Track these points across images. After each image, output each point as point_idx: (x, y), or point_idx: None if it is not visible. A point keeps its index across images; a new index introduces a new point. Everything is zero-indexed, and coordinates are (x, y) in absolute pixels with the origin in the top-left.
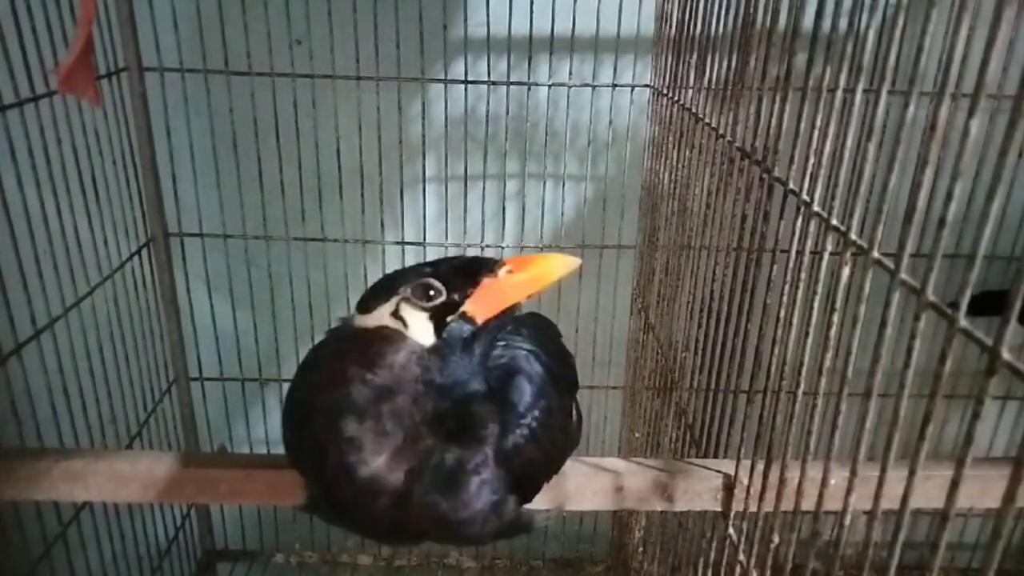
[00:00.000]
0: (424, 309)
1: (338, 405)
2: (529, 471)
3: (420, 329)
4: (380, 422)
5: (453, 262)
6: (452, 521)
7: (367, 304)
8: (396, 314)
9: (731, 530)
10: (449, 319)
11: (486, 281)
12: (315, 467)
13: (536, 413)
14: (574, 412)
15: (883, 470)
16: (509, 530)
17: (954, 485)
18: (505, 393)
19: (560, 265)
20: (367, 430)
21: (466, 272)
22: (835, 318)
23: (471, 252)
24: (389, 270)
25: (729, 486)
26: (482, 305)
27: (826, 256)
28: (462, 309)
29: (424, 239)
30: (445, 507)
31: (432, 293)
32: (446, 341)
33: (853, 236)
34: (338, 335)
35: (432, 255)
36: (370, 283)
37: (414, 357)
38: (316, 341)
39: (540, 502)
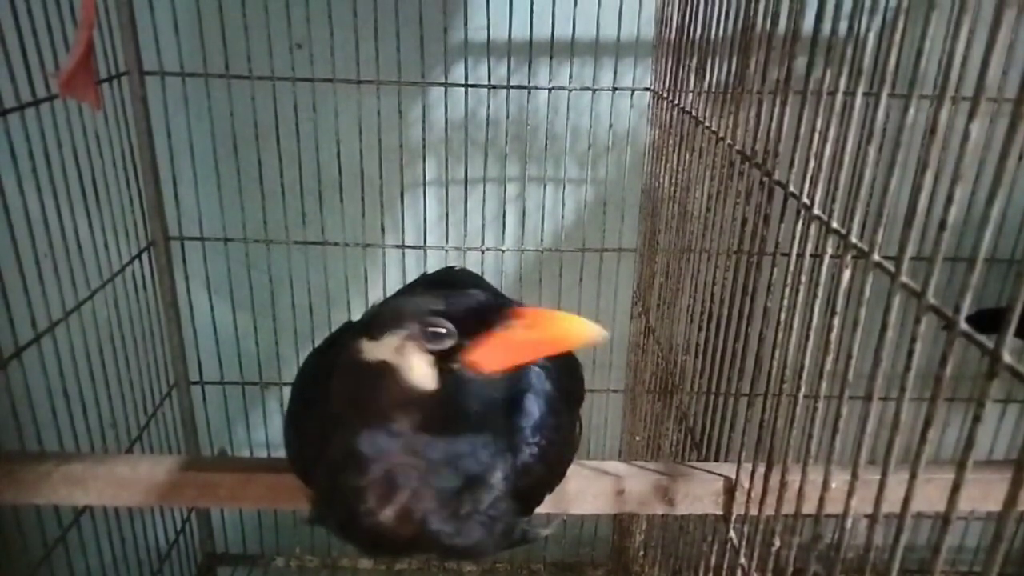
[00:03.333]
0: (429, 352)
1: (343, 454)
2: (535, 488)
3: (421, 372)
4: (386, 471)
5: (469, 302)
6: (463, 552)
7: (374, 333)
8: (400, 350)
9: (732, 534)
10: (454, 365)
11: (497, 332)
12: (324, 498)
13: (545, 432)
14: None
15: (884, 473)
16: (512, 545)
17: (955, 488)
18: (516, 413)
19: (581, 332)
20: (372, 480)
21: (479, 317)
22: (836, 321)
23: (472, 255)
24: (389, 274)
25: (730, 489)
26: (489, 356)
27: (826, 259)
28: (468, 357)
29: (424, 242)
30: (456, 543)
31: (439, 334)
32: (447, 389)
33: (853, 239)
34: (345, 365)
35: (432, 258)
36: (370, 287)
37: (413, 402)
38: (316, 344)
39: (541, 508)
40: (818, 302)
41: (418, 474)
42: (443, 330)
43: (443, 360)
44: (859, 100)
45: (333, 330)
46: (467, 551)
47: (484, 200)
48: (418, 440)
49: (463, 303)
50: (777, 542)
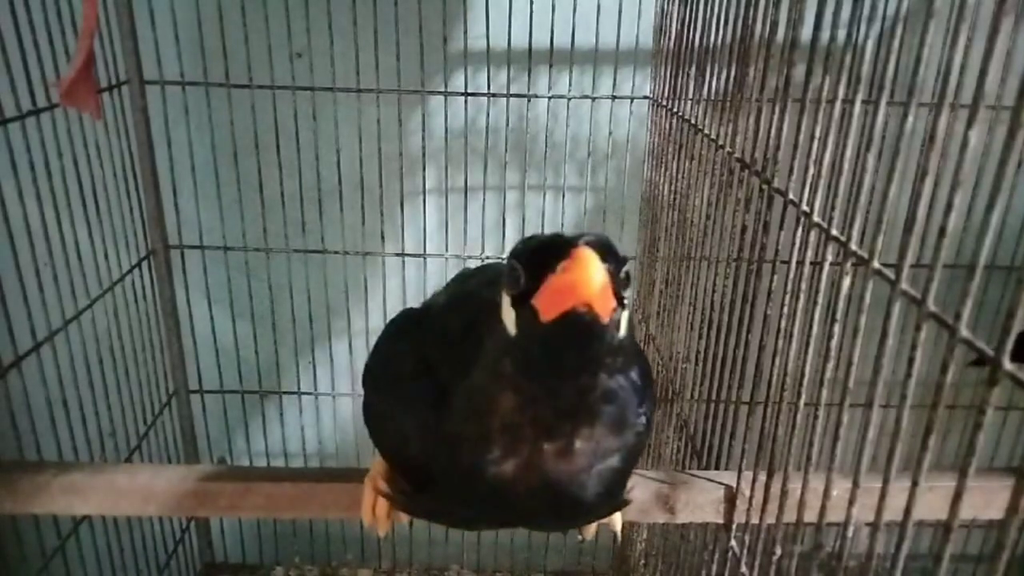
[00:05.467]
0: (507, 295)
1: (480, 397)
2: (633, 463)
3: (507, 316)
4: (514, 422)
5: (533, 244)
6: (574, 517)
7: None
8: (502, 295)
9: (733, 542)
10: (524, 309)
11: (550, 276)
12: (444, 457)
13: (649, 404)
14: None
15: (885, 481)
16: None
17: (957, 496)
18: (626, 394)
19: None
20: (499, 431)
21: (542, 258)
22: (836, 329)
23: (472, 263)
24: (389, 282)
25: (731, 498)
26: (542, 302)
27: (826, 266)
28: (531, 303)
29: (424, 251)
30: (576, 493)
31: (515, 277)
32: (523, 333)
33: (853, 246)
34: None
35: (432, 266)
36: (370, 295)
37: (509, 346)
38: (315, 356)
39: None
40: (818, 309)
41: (533, 418)
42: (516, 272)
43: (518, 304)
44: (858, 108)
45: (332, 338)
46: (580, 503)
47: (484, 208)
48: (525, 386)
49: (531, 244)
50: (778, 551)
